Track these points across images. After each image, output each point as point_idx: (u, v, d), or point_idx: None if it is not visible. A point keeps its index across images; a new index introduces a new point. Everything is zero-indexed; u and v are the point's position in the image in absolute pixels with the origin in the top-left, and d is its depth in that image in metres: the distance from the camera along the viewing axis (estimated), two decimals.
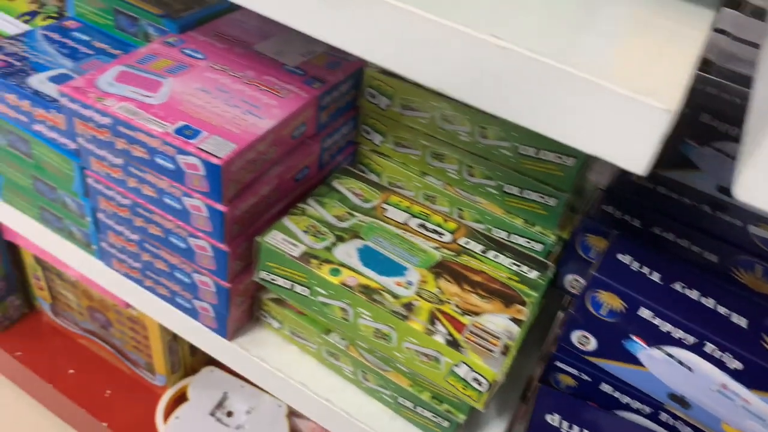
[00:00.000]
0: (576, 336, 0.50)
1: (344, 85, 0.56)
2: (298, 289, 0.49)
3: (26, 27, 0.68)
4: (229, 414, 0.88)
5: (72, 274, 0.85)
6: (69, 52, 0.57)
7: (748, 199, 0.25)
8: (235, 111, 0.48)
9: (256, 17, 0.62)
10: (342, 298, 0.47)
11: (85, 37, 0.60)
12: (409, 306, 0.46)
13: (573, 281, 0.56)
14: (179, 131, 0.45)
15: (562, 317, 0.60)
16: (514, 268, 0.52)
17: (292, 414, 0.89)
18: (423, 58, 0.31)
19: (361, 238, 0.51)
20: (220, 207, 0.46)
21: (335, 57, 0.58)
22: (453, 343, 0.45)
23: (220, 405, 0.89)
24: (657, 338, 0.47)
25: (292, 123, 0.50)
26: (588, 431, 0.50)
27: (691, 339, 0.45)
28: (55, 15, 0.70)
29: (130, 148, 0.47)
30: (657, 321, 0.46)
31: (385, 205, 0.55)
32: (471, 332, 0.45)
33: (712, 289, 0.48)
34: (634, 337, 0.48)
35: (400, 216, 0.54)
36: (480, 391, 0.45)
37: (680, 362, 0.47)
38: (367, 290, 0.47)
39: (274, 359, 0.55)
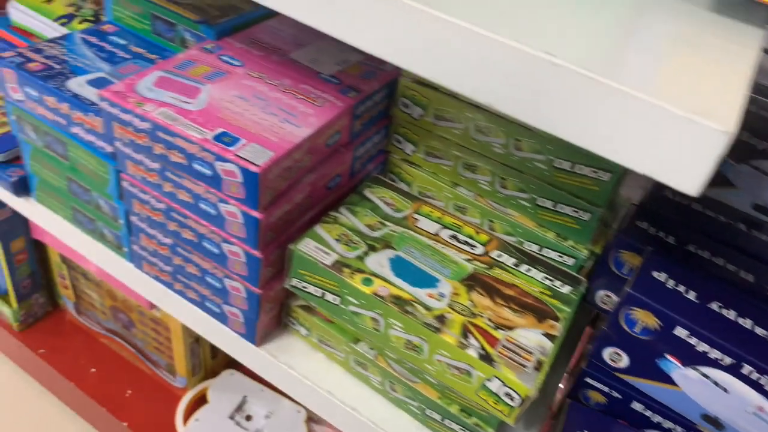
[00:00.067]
0: (608, 353, 0.50)
1: (378, 95, 0.56)
2: (329, 297, 0.49)
3: (64, 30, 0.69)
4: (248, 418, 0.89)
5: (96, 274, 0.86)
6: (107, 56, 0.58)
7: None
8: (272, 119, 0.49)
9: (290, 25, 0.62)
10: (373, 308, 0.47)
11: (122, 41, 0.61)
12: (441, 318, 0.46)
13: (604, 297, 0.56)
14: (218, 138, 0.46)
15: (589, 332, 0.59)
16: (547, 282, 0.51)
17: (311, 419, 0.89)
18: (474, 74, 0.31)
19: (393, 248, 0.51)
20: (255, 214, 0.46)
21: (370, 66, 0.58)
22: (486, 357, 0.44)
23: (239, 408, 0.89)
24: (692, 358, 0.46)
25: (327, 131, 0.51)
26: None
27: (727, 360, 0.44)
28: (91, 18, 0.71)
29: (167, 153, 0.47)
30: (693, 341, 0.45)
31: (416, 215, 0.55)
32: (504, 346, 0.45)
33: (749, 310, 0.47)
34: (669, 356, 0.47)
35: (431, 227, 0.54)
36: (512, 406, 0.44)
37: (716, 383, 0.46)
38: (399, 301, 0.47)
39: (301, 366, 0.55)
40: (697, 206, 0.56)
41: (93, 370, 0.95)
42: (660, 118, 0.28)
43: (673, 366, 0.47)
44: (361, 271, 0.48)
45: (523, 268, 0.52)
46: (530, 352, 0.45)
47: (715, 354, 0.45)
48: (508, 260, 0.52)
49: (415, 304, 0.47)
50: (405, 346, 0.47)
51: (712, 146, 0.27)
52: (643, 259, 0.50)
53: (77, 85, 0.54)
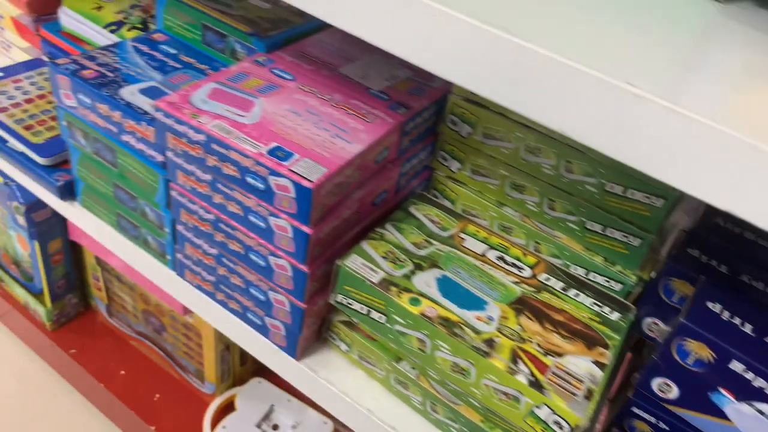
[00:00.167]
0: (657, 383, 0.48)
1: (427, 112, 0.56)
2: (375, 315, 0.49)
3: (113, 37, 0.70)
4: (275, 427, 0.88)
5: (131, 278, 0.86)
6: (158, 65, 0.59)
7: None
8: (324, 134, 0.49)
9: (339, 40, 0.62)
10: (421, 328, 0.47)
11: (172, 51, 0.61)
12: (490, 342, 0.45)
13: (652, 324, 0.55)
14: (272, 152, 0.46)
15: (630, 358, 0.58)
16: (596, 308, 0.50)
17: (338, 431, 0.88)
18: (550, 101, 0.30)
19: (440, 268, 0.50)
20: (306, 229, 0.46)
21: (418, 83, 0.57)
22: (535, 384, 0.43)
23: (266, 417, 0.89)
24: (747, 393, 0.45)
25: (377, 148, 0.50)
26: None
27: None
28: (139, 26, 0.71)
29: (221, 166, 0.47)
30: (749, 375, 0.44)
31: (462, 235, 0.54)
32: (554, 374, 0.44)
33: None
34: (722, 390, 0.46)
35: (478, 247, 0.53)
36: None
37: None
38: (447, 323, 0.46)
39: (341, 383, 0.54)
40: (749, 235, 0.55)
41: (122, 372, 0.96)
42: (748, 155, 0.27)
43: (727, 400, 0.46)
44: (408, 291, 0.48)
45: (572, 292, 0.51)
46: (580, 380, 0.44)
47: None
48: (556, 284, 0.52)
49: (464, 327, 0.46)
50: (451, 368, 0.47)
51: None
52: (696, 288, 0.49)
53: (129, 93, 0.54)
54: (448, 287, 0.49)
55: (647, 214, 0.51)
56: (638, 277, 0.54)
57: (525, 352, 0.45)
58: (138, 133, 0.53)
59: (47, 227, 0.89)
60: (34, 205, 0.85)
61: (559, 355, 0.46)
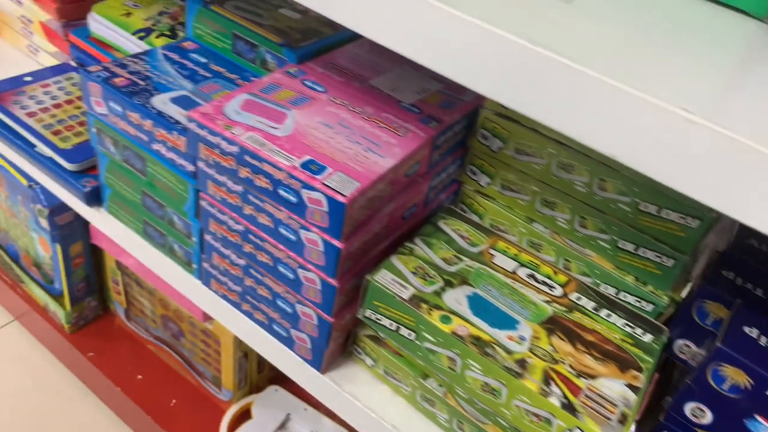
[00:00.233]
0: (690, 407, 0.48)
1: (458, 126, 0.55)
2: (404, 332, 0.48)
3: (141, 43, 0.70)
4: None
5: (152, 283, 0.86)
6: (188, 74, 0.59)
7: None
8: (356, 147, 0.48)
9: (368, 51, 0.62)
10: (451, 347, 0.46)
11: (202, 59, 0.61)
12: (522, 363, 0.45)
13: (683, 346, 0.54)
14: (305, 165, 0.45)
15: (657, 379, 0.57)
16: (628, 329, 0.49)
17: None
18: (601, 126, 0.30)
19: (470, 285, 0.50)
20: (337, 243, 0.46)
21: (449, 96, 0.57)
22: (568, 407, 0.43)
23: (282, 426, 0.89)
24: None
25: (409, 162, 0.50)
26: None
27: None
28: (167, 33, 0.72)
29: (253, 178, 0.47)
30: None
31: (492, 251, 0.54)
32: (587, 396, 0.43)
33: None
34: (758, 417, 0.45)
35: (508, 264, 0.53)
36: None
37: None
38: (478, 342, 0.45)
39: (365, 397, 0.54)
40: None
41: (139, 376, 0.96)
42: None
43: (763, 427, 0.45)
44: (439, 308, 0.47)
45: (603, 312, 0.50)
46: (614, 404, 0.43)
47: None
48: (588, 304, 0.51)
49: (495, 347, 0.45)
50: (481, 388, 0.46)
51: None
52: (731, 312, 0.48)
53: (161, 102, 0.54)
54: (479, 305, 0.48)
55: (682, 234, 0.50)
56: (670, 298, 0.53)
57: (557, 373, 0.44)
58: (169, 143, 0.53)
59: (69, 231, 0.89)
60: (58, 209, 0.86)
61: (592, 377, 0.45)
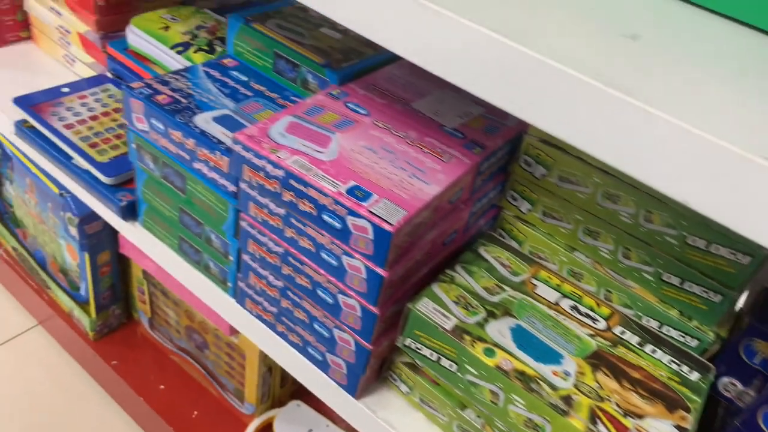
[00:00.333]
0: None
1: (501, 151, 0.55)
2: (445, 363, 0.48)
3: (179, 58, 0.70)
4: None
5: (180, 295, 0.86)
6: (230, 92, 0.58)
7: None
8: (401, 173, 0.48)
9: (408, 72, 0.61)
10: (495, 381, 0.45)
11: (243, 77, 0.61)
12: (568, 400, 0.44)
13: (729, 385, 0.52)
14: (350, 191, 0.45)
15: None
16: (674, 366, 0.48)
17: None
18: (653, 161, 0.29)
19: (514, 317, 0.49)
20: (381, 271, 0.45)
21: (492, 121, 0.56)
22: None
23: None
24: None
25: (453, 189, 0.49)
26: None
27: None
28: (205, 48, 0.72)
29: (297, 202, 0.47)
30: None
31: (534, 281, 0.53)
32: None
33: None
34: None
35: (551, 295, 0.52)
36: None
37: None
38: (523, 377, 0.45)
39: (400, 425, 0.53)
40: None
41: (162, 386, 0.96)
42: None
43: None
44: (482, 340, 0.46)
45: (648, 348, 0.49)
46: None
47: None
48: (632, 338, 0.50)
49: (540, 382, 0.44)
50: (524, 423, 0.45)
51: None
52: None
53: (204, 121, 0.54)
54: (522, 338, 0.47)
55: (731, 270, 0.49)
56: (716, 334, 0.52)
57: (604, 411, 0.43)
58: (211, 162, 0.52)
59: (98, 240, 0.89)
60: (88, 218, 0.86)
61: (639, 416, 0.44)
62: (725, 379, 0.53)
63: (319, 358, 0.54)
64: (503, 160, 0.56)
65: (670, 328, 0.52)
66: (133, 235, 0.66)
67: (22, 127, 0.71)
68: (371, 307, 0.47)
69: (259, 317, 0.58)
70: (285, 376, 0.91)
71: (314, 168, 0.46)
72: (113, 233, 0.91)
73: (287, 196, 0.47)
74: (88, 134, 0.69)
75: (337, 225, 0.45)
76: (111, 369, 0.97)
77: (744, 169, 0.27)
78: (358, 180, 0.46)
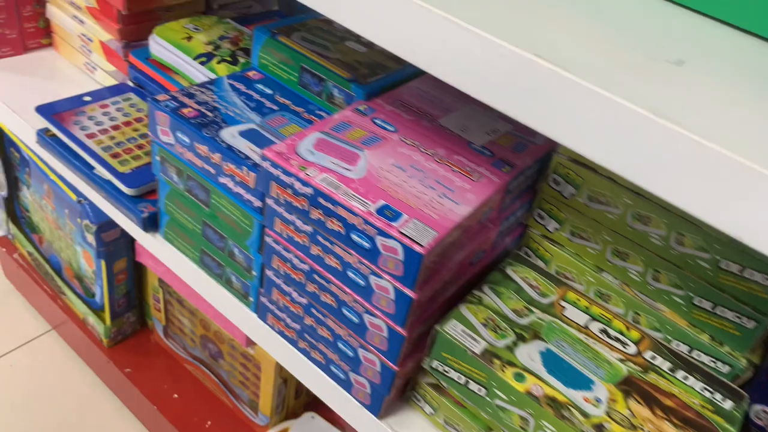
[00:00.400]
0: None
1: (530, 170, 0.54)
2: (473, 386, 0.47)
3: (202, 68, 0.70)
4: None
5: (196, 305, 0.86)
6: (255, 106, 0.58)
7: None
8: (430, 193, 0.47)
9: (434, 87, 0.61)
10: (525, 407, 0.44)
11: (268, 91, 0.61)
12: (600, 428, 0.43)
13: (761, 412, 0.51)
14: (380, 211, 0.44)
15: None
16: (707, 394, 0.47)
17: None
18: (692, 186, 0.28)
19: (543, 340, 0.48)
20: (410, 293, 0.44)
21: (520, 138, 0.56)
22: None
23: None
24: None
25: (483, 209, 0.49)
26: None
27: None
28: (228, 59, 0.71)
29: (325, 220, 0.46)
30: None
31: (563, 303, 0.52)
32: None
33: None
34: None
35: (580, 317, 0.51)
36: None
37: None
38: (554, 403, 0.44)
39: None
40: None
41: (175, 395, 0.95)
42: None
43: None
44: (512, 365, 0.46)
45: (680, 374, 0.48)
46: None
47: None
48: (663, 364, 0.49)
49: (572, 409, 0.43)
50: None
51: None
52: None
53: (230, 135, 0.54)
54: (552, 362, 0.46)
55: (765, 296, 0.48)
56: (748, 360, 0.51)
57: None
58: (237, 177, 0.52)
59: (115, 247, 0.89)
60: (105, 225, 0.86)
61: None
62: (757, 407, 0.52)
63: (342, 376, 0.54)
64: (531, 179, 0.56)
65: (701, 353, 0.51)
66: (154, 246, 0.66)
67: (44, 135, 0.71)
68: (399, 329, 0.47)
69: (281, 333, 0.57)
70: (299, 388, 0.91)
71: (343, 186, 0.46)
72: (130, 241, 0.91)
73: (315, 214, 0.47)
74: (110, 144, 0.69)
75: (366, 245, 0.45)
76: (125, 376, 0.97)
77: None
78: (387, 199, 0.45)
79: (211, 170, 0.54)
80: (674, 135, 0.28)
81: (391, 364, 0.49)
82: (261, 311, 0.58)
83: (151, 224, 0.65)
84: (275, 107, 0.59)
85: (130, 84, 0.79)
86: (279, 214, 0.50)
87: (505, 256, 0.57)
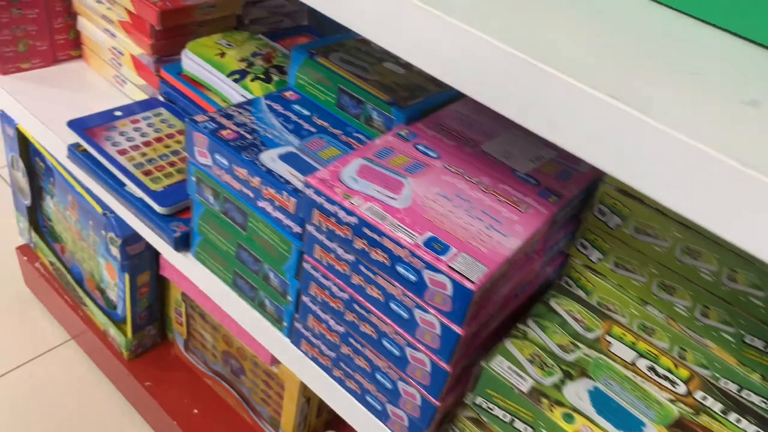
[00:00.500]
0: None
1: (576, 199, 0.53)
2: (519, 425, 0.46)
3: (235, 86, 0.69)
4: None
5: (221, 322, 0.85)
6: (293, 128, 0.57)
7: None
8: (478, 224, 0.46)
9: (473, 110, 0.60)
10: None
11: (305, 112, 0.60)
12: None
13: None
14: (428, 243, 0.43)
15: None
16: None
17: None
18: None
19: (590, 378, 0.47)
20: (457, 329, 0.43)
21: (565, 166, 0.54)
22: None
23: None
24: None
25: (531, 241, 0.47)
26: None
27: None
28: (262, 76, 0.71)
29: (369, 250, 0.45)
30: None
31: (608, 338, 0.50)
32: None
33: None
34: None
35: (627, 354, 0.49)
36: None
37: None
38: None
39: None
40: None
41: (195, 411, 0.94)
42: None
43: None
44: (560, 404, 0.44)
45: (732, 417, 0.47)
46: None
47: None
48: (714, 405, 0.47)
49: None
50: None
51: None
52: None
53: (269, 159, 0.53)
54: (601, 402, 0.45)
55: None
56: None
57: None
58: (276, 202, 0.51)
59: (139, 260, 0.88)
60: (130, 239, 0.85)
61: None
62: None
63: (379, 407, 0.52)
64: (576, 208, 0.54)
65: (751, 393, 0.50)
66: (184, 265, 0.65)
67: (75, 150, 0.71)
68: (443, 365, 0.45)
69: (314, 360, 0.56)
70: (321, 406, 0.90)
71: (389, 216, 0.45)
72: (154, 254, 0.90)
73: (359, 244, 0.46)
74: (141, 161, 0.69)
75: (413, 278, 0.44)
76: (144, 389, 0.96)
77: None
78: (434, 230, 0.44)
79: (250, 194, 0.53)
80: (733, 171, 0.27)
81: (433, 400, 0.47)
82: (295, 337, 0.57)
83: (183, 244, 0.64)
84: (313, 129, 0.58)
85: (161, 99, 0.79)
86: (320, 242, 0.49)
87: (547, 286, 0.55)
